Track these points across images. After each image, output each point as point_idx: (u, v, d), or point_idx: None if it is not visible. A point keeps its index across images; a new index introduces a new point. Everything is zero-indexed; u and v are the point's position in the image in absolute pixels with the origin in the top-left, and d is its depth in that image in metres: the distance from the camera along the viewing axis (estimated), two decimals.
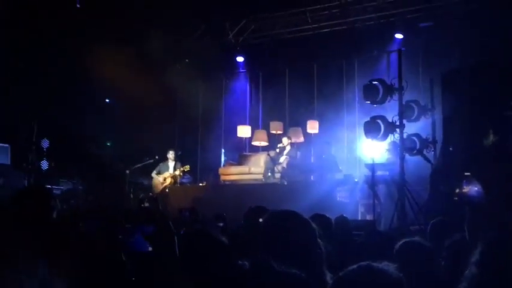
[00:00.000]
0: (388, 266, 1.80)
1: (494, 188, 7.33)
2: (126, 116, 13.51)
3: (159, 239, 3.01)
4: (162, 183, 13.40)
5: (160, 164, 13.67)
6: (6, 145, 11.74)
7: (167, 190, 13.17)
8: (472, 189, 7.60)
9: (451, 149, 9.01)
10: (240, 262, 2.08)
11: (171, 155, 13.62)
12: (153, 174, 13.60)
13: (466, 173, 7.88)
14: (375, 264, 1.77)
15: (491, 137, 8.43)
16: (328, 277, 2.42)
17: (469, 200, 7.40)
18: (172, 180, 13.40)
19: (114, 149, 14.51)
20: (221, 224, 6.68)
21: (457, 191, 7.83)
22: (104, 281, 2.51)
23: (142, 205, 9.63)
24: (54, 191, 11.13)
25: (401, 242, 3.39)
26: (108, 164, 14.12)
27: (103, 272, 2.54)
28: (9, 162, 11.67)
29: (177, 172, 13.37)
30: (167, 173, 13.46)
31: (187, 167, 13.44)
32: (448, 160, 8.99)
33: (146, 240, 3.47)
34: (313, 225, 2.53)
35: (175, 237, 2.74)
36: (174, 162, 13.59)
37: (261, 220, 4.02)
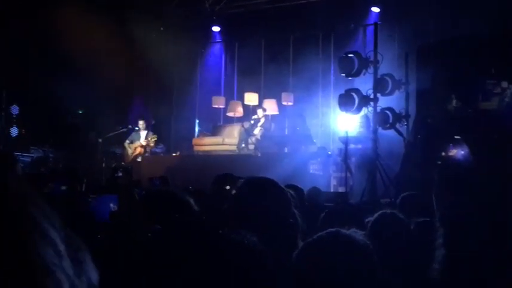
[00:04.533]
0: (356, 233, 1.80)
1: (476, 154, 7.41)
2: (99, 84, 13.29)
3: (122, 209, 2.95)
4: (133, 153, 13.37)
5: (133, 133, 13.61)
6: None
7: (138, 159, 13.12)
8: (458, 152, 7.64)
9: (429, 120, 9.11)
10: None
11: (141, 124, 13.54)
12: (125, 144, 13.55)
13: (456, 137, 7.93)
14: (342, 230, 1.77)
15: (454, 102, 8.56)
16: None
17: (454, 163, 7.43)
18: (142, 150, 13.38)
19: (86, 117, 14.31)
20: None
21: (443, 154, 7.87)
22: None
23: (116, 175, 9.52)
24: (24, 158, 10.96)
25: (376, 214, 3.39)
26: (80, 132, 13.94)
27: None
28: None
29: (144, 143, 13.34)
30: (138, 143, 13.44)
31: (154, 138, 13.38)
32: (424, 132, 9.10)
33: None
34: (289, 194, 2.49)
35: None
36: (145, 132, 13.52)
37: (228, 187, 4.01)
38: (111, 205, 2.98)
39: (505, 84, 9.14)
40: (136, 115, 14.07)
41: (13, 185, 0.55)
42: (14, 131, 12.37)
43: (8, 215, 0.51)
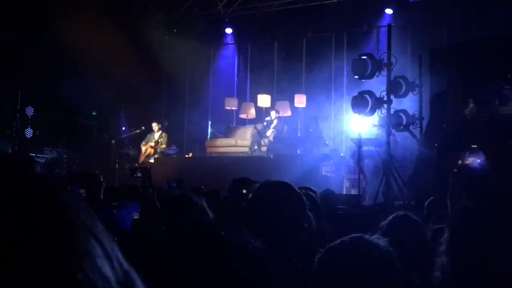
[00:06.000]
0: (379, 239, 1.79)
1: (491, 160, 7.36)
2: (112, 86, 13.37)
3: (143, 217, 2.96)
4: (144, 154, 13.43)
5: (148, 135, 13.69)
6: None
7: (151, 160, 13.16)
8: (474, 160, 7.60)
9: (444, 125, 9.06)
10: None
11: (154, 126, 13.60)
12: (141, 145, 13.64)
13: (473, 145, 7.88)
14: (366, 236, 1.76)
15: (471, 106, 8.51)
16: None
17: (471, 171, 7.38)
18: (152, 151, 13.42)
19: (99, 119, 14.39)
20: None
21: (460, 162, 7.83)
22: None
23: (135, 175, 9.54)
24: (38, 160, 11.03)
25: (390, 217, 3.37)
26: (94, 133, 14.03)
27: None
28: None
29: (153, 143, 13.39)
30: (149, 143, 13.50)
31: (162, 138, 13.42)
32: (440, 139, 9.04)
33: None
34: (304, 198, 2.48)
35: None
36: (159, 133, 13.57)
37: (244, 191, 4.01)
38: (135, 214, 2.98)
39: None
40: (148, 117, 14.12)
41: (69, 200, 0.56)
42: (29, 132, 12.47)
43: (64, 227, 0.53)
